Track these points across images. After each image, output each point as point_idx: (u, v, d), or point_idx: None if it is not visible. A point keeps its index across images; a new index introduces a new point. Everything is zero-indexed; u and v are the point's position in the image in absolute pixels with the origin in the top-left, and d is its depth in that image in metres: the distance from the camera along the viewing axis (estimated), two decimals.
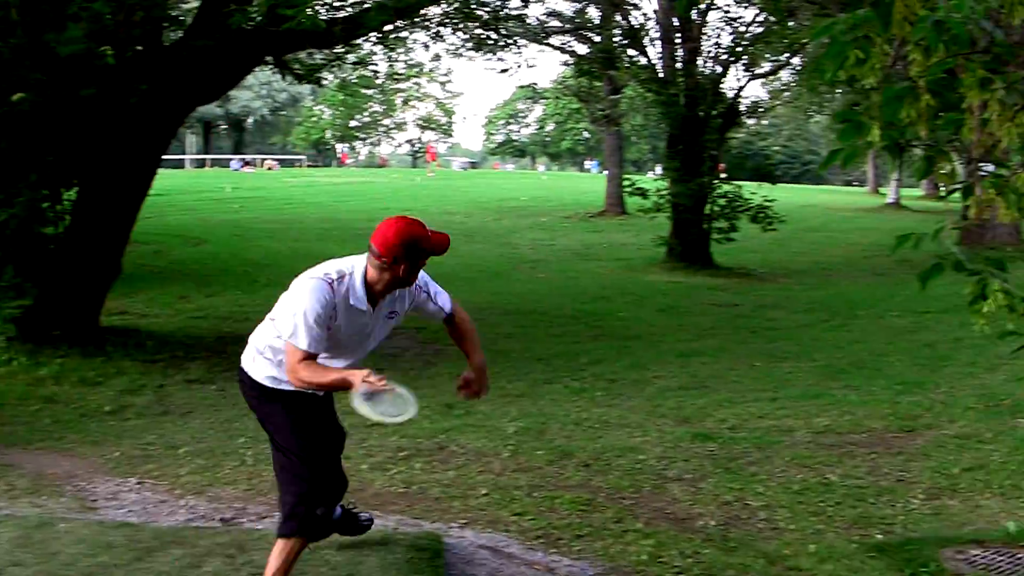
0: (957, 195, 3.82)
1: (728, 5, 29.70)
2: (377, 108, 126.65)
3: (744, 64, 30.18)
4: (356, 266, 5.34)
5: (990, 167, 3.67)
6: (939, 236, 3.64)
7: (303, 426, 5.49)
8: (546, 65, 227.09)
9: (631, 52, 30.15)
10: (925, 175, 3.73)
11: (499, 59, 31.79)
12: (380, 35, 20.32)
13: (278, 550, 5.37)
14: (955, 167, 3.56)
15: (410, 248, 5.22)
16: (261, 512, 7.34)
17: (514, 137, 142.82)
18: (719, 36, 30.14)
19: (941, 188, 3.63)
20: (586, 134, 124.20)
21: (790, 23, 27.75)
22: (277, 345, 5.40)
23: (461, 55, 30.95)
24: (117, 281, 14.88)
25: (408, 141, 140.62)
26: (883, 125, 3.28)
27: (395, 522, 7.11)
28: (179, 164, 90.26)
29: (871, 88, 3.25)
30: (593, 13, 33.24)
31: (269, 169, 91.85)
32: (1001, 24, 3.24)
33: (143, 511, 7.35)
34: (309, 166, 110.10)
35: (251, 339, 5.68)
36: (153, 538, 6.27)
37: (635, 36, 29.58)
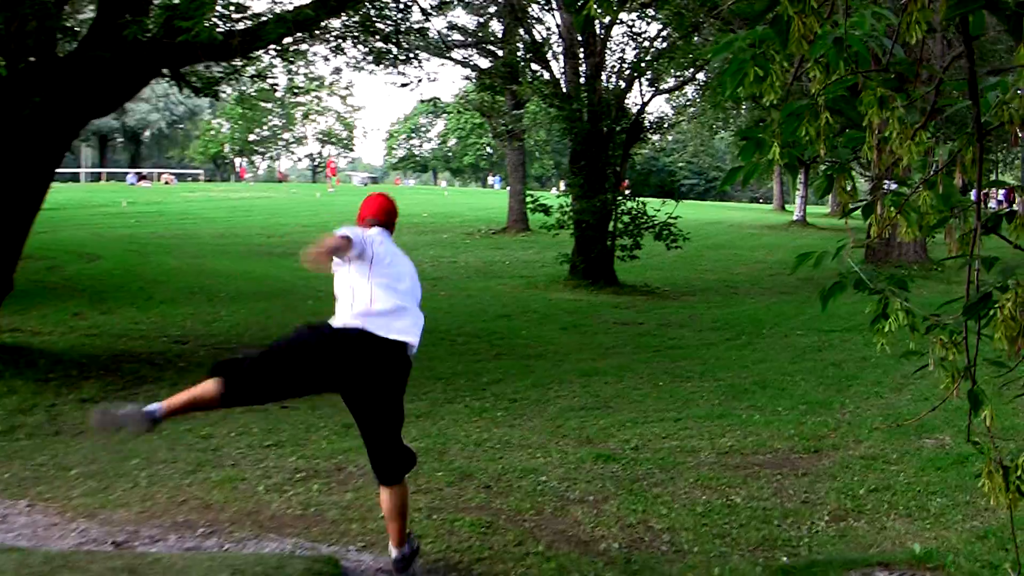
0: (860, 212, 3.87)
1: (632, 20, 29.75)
2: (276, 122, 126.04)
3: (648, 79, 30.39)
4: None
5: (895, 185, 3.71)
6: (841, 254, 3.68)
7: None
8: (448, 79, 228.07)
9: (534, 66, 30.24)
10: (825, 193, 3.78)
11: (400, 73, 31.68)
12: (279, 48, 20.17)
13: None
14: (855, 185, 3.61)
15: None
16: (154, 535, 7.25)
17: (416, 152, 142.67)
18: (623, 51, 30.32)
19: (848, 206, 3.65)
20: (489, 149, 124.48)
21: (694, 39, 28.02)
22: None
23: (362, 68, 30.81)
24: (9, 297, 14.63)
25: (308, 156, 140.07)
26: (783, 143, 3.31)
27: (292, 545, 7.07)
28: (74, 178, 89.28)
29: (773, 105, 3.29)
30: (496, 27, 33.36)
31: (166, 183, 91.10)
32: (902, 42, 3.28)
33: (33, 535, 7.23)
34: (207, 180, 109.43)
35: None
36: (43, 563, 6.16)
37: (538, 50, 29.68)
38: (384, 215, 7.21)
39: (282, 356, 6.47)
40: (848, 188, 3.58)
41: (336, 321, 6.55)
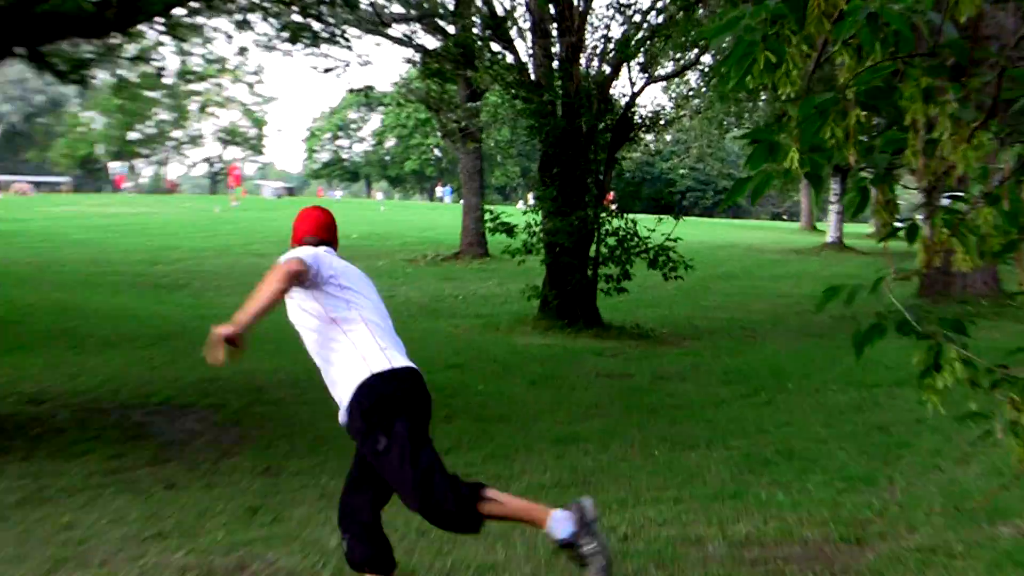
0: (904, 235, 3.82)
1: None
2: (165, 116, 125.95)
3: (640, 63, 30.33)
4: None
5: (949, 200, 3.68)
6: (880, 287, 3.65)
7: None
8: (385, 63, 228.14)
9: (494, 47, 30.23)
10: (859, 210, 3.75)
11: (324, 54, 31.67)
12: (167, 21, 20.15)
13: None
14: (895, 199, 3.56)
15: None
16: None
17: (344, 155, 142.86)
18: (608, 28, 30.21)
19: (888, 226, 3.58)
20: (437, 152, 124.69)
21: (698, 11, 28.06)
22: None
23: (274, 48, 30.77)
24: None
25: (206, 160, 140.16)
26: (803, 147, 3.28)
27: None
28: None
29: (790, 99, 3.26)
30: None
31: (21, 194, 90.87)
32: (955, 18, 3.25)
33: None
34: (74, 191, 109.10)
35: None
36: None
37: (500, 27, 29.67)
38: (326, 231, 7.80)
39: (417, 439, 7.46)
40: (888, 204, 3.56)
41: (377, 364, 7.30)
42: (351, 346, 7.23)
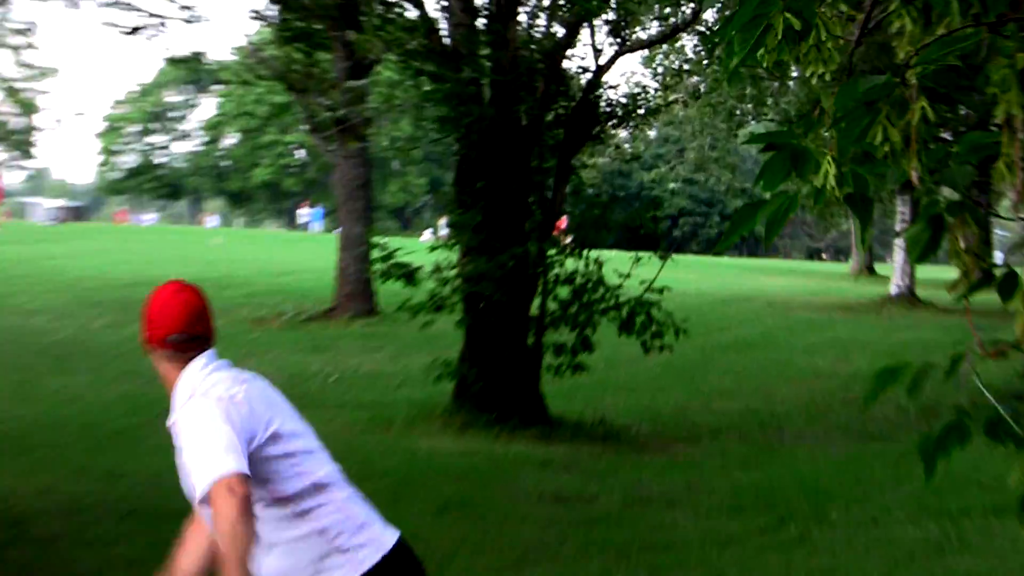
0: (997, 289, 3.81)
1: None
2: None
3: (608, 23, 30.20)
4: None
5: None
6: (958, 369, 3.64)
7: None
8: (223, 20, 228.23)
9: None
10: (927, 251, 3.71)
11: (127, 5, 31.68)
12: None
13: None
14: (983, 235, 3.54)
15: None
16: None
17: (158, 160, 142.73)
18: None
19: (986, 274, 3.53)
20: (301, 155, 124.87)
21: None
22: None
23: None
24: None
25: None
26: (841, 156, 3.26)
27: None
28: None
29: (826, 83, 3.24)
30: None
31: None
32: None
33: None
34: None
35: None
36: None
37: None
38: (198, 321, 7.43)
39: None
40: (971, 241, 3.55)
41: (363, 554, 7.18)
42: (317, 536, 7.10)
